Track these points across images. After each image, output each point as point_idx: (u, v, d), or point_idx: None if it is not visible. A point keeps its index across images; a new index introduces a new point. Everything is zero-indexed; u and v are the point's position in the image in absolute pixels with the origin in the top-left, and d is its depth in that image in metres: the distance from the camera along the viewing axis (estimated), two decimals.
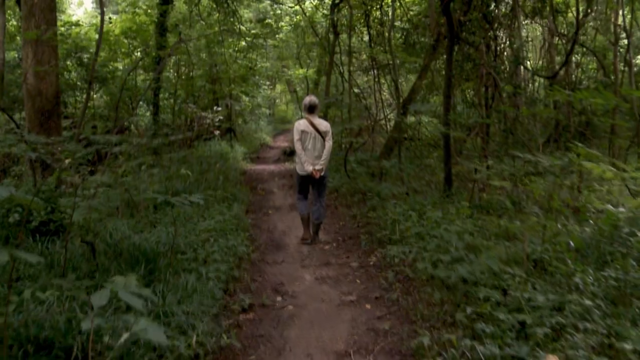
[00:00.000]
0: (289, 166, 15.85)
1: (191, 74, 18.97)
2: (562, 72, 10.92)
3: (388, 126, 14.84)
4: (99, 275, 4.51)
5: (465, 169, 10.90)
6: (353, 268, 5.74)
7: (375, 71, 15.13)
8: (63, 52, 15.74)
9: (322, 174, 6.54)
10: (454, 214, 6.70)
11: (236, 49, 17.63)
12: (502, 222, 6.29)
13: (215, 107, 16.45)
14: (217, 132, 16.53)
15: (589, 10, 11.02)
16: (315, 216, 6.72)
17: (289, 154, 20.97)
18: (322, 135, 6.50)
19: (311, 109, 6.56)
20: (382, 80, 15.94)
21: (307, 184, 6.76)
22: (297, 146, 6.47)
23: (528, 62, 15.79)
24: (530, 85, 12.98)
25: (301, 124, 6.49)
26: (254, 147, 21.55)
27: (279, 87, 28.33)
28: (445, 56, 13.51)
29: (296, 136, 6.45)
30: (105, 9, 23.90)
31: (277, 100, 37.22)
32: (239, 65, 17.67)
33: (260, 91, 23.41)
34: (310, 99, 6.66)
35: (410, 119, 15.37)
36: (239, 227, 7.08)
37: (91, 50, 16.38)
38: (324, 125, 6.55)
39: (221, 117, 16.53)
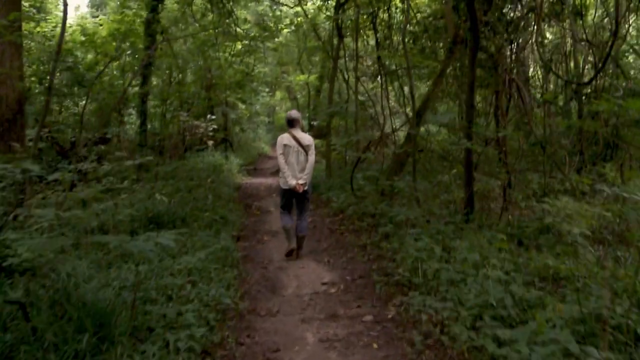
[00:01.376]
0: None
1: (185, 79, 17.82)
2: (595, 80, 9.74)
3: (395, 138, 13.65)
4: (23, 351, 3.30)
5: (485, 186, 9.73)
6: (367, 324, 4.51)
7: (382, 77, 13.95)
8: (46, 55, 14.62)
9: (305, 188, 6.51)
10: (485, 248, 5.50)
11: (232, 52, 16.42)
12: (550, 262, 5.10)
13: (209, 116, 15.26)
14: (210, 143, 15.33)
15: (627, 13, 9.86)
16: (299, 230, 6.71)
17: None
18: (305, 149, 6.52)
19: (291, 122, 6.66)
20: (390, 87, 14.76)
21: (291, 198, 6.68)
22: (280, 160, 6.48)
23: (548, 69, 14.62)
24: (561, 94, 11.77)
25: (284, 138, 6.54)
26: (251, 157, 20.37)
27: (278, 94, 27.13)
28: (460, 61, 12.39)
29: (279, 150, 6.51)
30: (98, 11, 22.68)
31: (277, 108, 36.11)
32: (234, 70, 16.46)
33: (259, 98, 22.24)
34: (291, 113, 6.82)
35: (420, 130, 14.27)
36: (226, 263, 5.87)
37: (76, 53, 15.26)
38: (306, 139, 6.60)
39: (215, 126, 15.34)
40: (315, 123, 18.39)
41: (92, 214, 6.42)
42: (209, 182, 11.98)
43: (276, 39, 17.00)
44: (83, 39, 14.36)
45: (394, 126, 14.35)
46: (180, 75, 17.81)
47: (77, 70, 14.74)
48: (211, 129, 15.10)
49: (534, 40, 10.63)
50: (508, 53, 11.63)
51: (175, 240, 5.38)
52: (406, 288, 5.10)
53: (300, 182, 6.43)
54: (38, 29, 15.17)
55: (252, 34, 15.49)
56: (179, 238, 5.72)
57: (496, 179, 10.36)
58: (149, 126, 16.51)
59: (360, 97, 15.27)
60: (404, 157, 10.06)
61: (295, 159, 6.48)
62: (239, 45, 16.63)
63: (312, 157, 6.54)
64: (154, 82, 15.48)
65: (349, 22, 15.09)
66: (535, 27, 10.71)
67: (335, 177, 12.60)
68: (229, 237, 7.35)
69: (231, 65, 16.36)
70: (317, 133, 18.20)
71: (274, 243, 7.48)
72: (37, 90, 14.44)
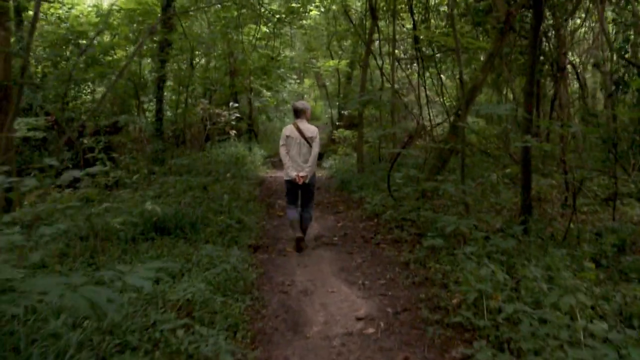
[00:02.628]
0: (321, 174, 13.50)
1: (209, 65, 16.75)
2: None
3: (435, 131, 12.33)
4: None
5: (540, 188, 8.43)
6: None
7: (420, 63, 12.64)
8: (57, 38, 13.69)
9: (307, 180, 6.36)
10: (564, 276, 4.25)
11: (256, 35, 15.19)
12: None
13: (231, 103, 14.17)
14: (233, 132, 14.25)
15: None
16: (303, 222, 6.64)
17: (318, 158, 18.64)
18: (308, 140, 6.36)
19: (297, 113, 6.53)
20: (428, 74, 13.43)
21: (295, 190, 6.57)
22: (282, 151, 6.46)
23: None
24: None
25: (287, 129, 6.48)
26: (276, 148, 19.26)
27: (307, 82, 25.91)
28: (509, 45, 10.97)
29: (281, 141, 6.48)
30: None
31: (305, 96, 34.86)
32: (259, 55, 15.28)
33: (286, 85, 21.05)
34: (296, 103, 6.68)
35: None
36: (237, 289, 4.74)
37: (90, 34, 14.29)
38: (310, 130, 6.42)
39: (238, 115, 14.26)
40: (346, 112, 17.15)
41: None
42: (229, 177, 10.91)
43: (304, 22, 15.74)
44: (97, 19, 13.36)
45: (431, 117, 13.03)
46: (202, 60, 16.75)
47: (92, 54, 13.76)
48: (234, 117, 14.04)
49: (597, 20, 9.17)
50: (568, 34, 10.21)
51: (164, 268, 4.28)
52: (468, 333, 3.90)
53: (302, 174, 6.30)
54: (52, 10, 14.28)
55: (278, 16, 14.25)
56: (168, 267, 4.57)
57: (551, 178, 9.04)
58: (168, 114, 15.55)
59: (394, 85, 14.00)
60: (447, 154, 8.78)
61: (297, 150, 6.36)
62: (264, 28, 15.42)
63: (315, 150, 6.38)
64: (175, 66, 14.43)
65: (383, 3, 13.78)
66: (600, 4, 9.26)
67: (367, 173, 11.40)
68: (245, 248, 6.24)
69: (255, 49, 15.16)
70: (347, 123, 16.97)
71: (298, 257, 6.33)
72: (51, 75, 13.53)
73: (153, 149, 11.97)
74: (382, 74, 13.01)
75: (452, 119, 9.53)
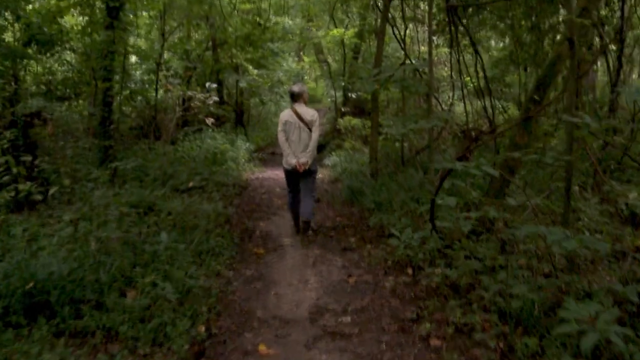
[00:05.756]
0: (322, 175, 10.54)
1: (188, 35, 13.61)
2: None
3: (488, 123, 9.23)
4: None
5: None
6: None
7: (454, 30, 9.50)
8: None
9: (307, 167, 5.99)
10: None
11: None
12: None
13: (208, 84, 11.09)
14: (210, 121, 11.19)
15: None
16: (304, 213, 6.13)
17: (317, 148, 15.48)
18: (308, 125, 6.01)
19: (294, 96, 6.17)
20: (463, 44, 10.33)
21: (295, 179, 6.18)
22: (281, 138, 6.06)
23: None
24: None
25: (285, 114, 6.12)
26: (269, 138, 16.16)
27: (306, 59, 22.65)
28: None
29: (279, 127, 6.08)
30: None
31: (305, 77, 31.57)
32: (241, 20, 12.06)
33: (283, 64, 17.85)
34: (293, 86, 6.33)
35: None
36: None
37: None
38: (309, 114, 6.06)
39: (216, 98, 11.19)
40: (353, 95, 13.95)
41: None
42: (196, 184, 7.93)
43: None
44: None
45: (468, 105, 9.91)
46: (180, 32, 13.60)
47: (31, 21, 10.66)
48: (212, 101, 10.99)
49: None
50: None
51: None
52: None
53: (302, 160, 5.98)
54: None
55: None
56: None
57: None
58: (138, 100, 12.48)
59: (413, 61, 10.89)
60: (517, 162, 5.75)
61: (297, 136, 6.02)
62: None
63: (315, 134, 6.07)
64: (136, 38, 11.33)
65: None
66: None
67: (385, 178, 8.40)
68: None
69: (236, 11, 11.86)
70: (354, 108, 13.83)
71: None
72: None
73: (96, 146, 8.94)
74: (403, 46, 9.83)
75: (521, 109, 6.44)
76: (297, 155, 5.97)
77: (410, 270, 4.89)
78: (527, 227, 3.54)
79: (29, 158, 6.96)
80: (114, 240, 4.83)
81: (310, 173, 6.10)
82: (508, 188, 5.82)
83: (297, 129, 5.99)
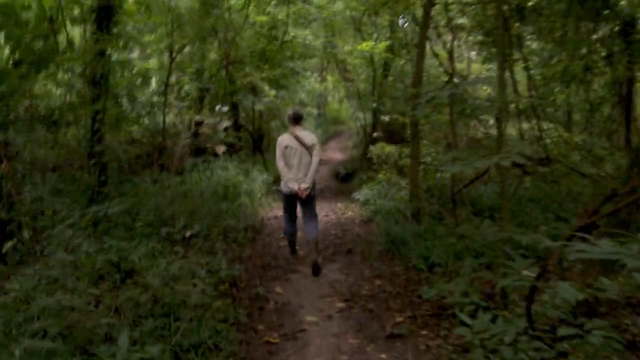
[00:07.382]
0: (352, 212, 9.03)
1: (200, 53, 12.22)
2: None
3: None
4: None
5: None
6: None
7: (504, 40, 7.92)
8: None
9: (308, 192, 5.80)
10: None
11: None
12: None
13: (218, 107, 9.64)
14: (221, 149, 9.70)
15: None
16: (311, 235, 5.89)
17: (344, 178, 13.89)
18: (309, 149, 5.84)
19: (297, 120, 6.00)
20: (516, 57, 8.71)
21: (294, 203, 6.06)
22: (280, 163, 5.89)
23: None
24: None
25: (284, 139, 5.92)
26: None
27: (330, 79, 21.17)
28: None
29: (278, 152, 5.89)
30: None
31: (329, 98, 30.07)
32: (256, 33, 10.57)
33: (305, 84, 16.38)
34: (295, 109, 6.22)
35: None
36: None
37: None
38: (310, 138, 5.92)
39: (228, 123, 9.73)
40: (386, 118, 12.28)
41: None
42: (198, 231, 6.41)
43: None
44: None
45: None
46: (192, 47, 12.23)
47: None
48: (223, 126, 9.52)
49: None
50: None
51: None
52: None
53: (304, 186, 5.76)
54: None
55: None
56: None
57: None
58: (145, 121, 11.06)
59: (455, 79, 9.27)
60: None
61: (297, 160, 5.84)
62: None
63: (316, 159, 5.86)
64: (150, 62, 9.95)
65: None
66: None
67: (429, 220, 6.80)
68: None
69: (248, 24, 10.31)
70: (386, 133, 12.22)
71: None
72: None
73: (85, 182, 7.51)
74: (451, 59, 8.21)
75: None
76: (298, 180, 5.79)
77: None
78: None
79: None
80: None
81: (311, 198, 5.96)
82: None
83: (297, 153, 5.83)
